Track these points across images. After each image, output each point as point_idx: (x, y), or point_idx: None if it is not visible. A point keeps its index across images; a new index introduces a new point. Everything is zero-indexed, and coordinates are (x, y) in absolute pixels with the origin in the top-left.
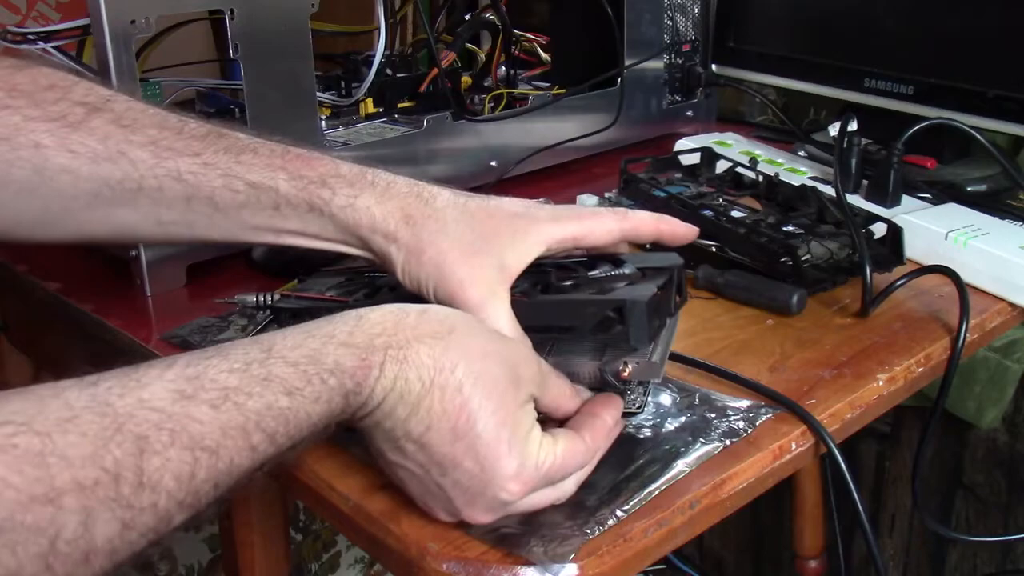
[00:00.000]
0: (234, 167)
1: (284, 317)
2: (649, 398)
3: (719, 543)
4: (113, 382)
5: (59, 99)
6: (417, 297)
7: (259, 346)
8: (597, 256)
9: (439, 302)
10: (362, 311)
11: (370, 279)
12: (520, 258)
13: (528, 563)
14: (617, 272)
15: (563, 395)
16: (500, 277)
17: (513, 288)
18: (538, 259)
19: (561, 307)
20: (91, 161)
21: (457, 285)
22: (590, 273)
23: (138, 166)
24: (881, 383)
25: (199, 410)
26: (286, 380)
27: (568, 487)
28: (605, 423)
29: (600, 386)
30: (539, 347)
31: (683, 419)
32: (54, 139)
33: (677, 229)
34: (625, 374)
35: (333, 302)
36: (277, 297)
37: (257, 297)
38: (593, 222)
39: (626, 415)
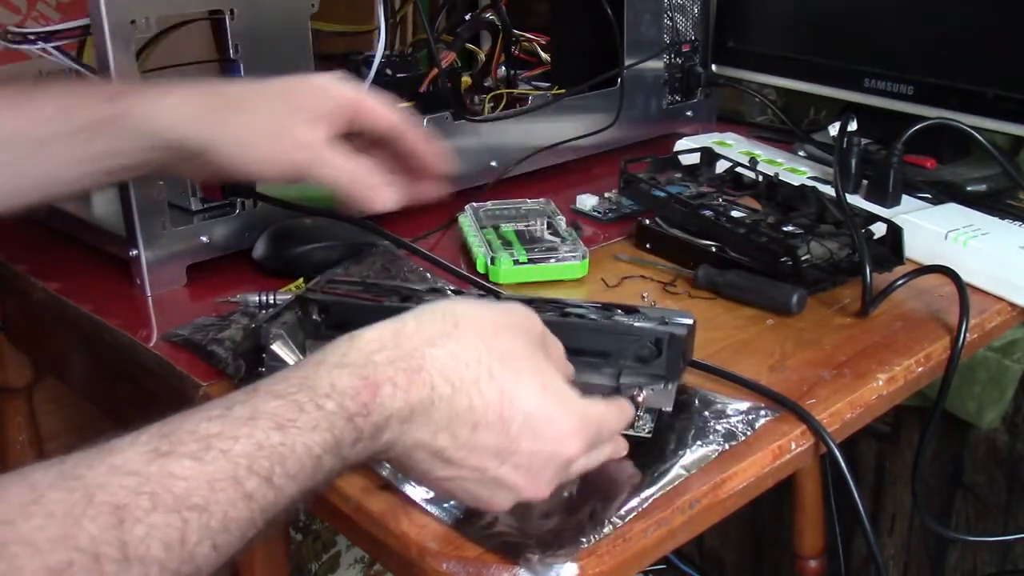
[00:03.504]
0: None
1: (312, 311)
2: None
3: (719, 543)
4: (81, 456)
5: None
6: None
7: (241, 391)
8: (612, 304)
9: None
10: (354, 332)
11: (392, 288)
12: (326, 104)
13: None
14: (639, 315)
15: (561, 352)
16: (325, 139)
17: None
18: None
19: (603, 332)
20: None
21: (288, 149)
22: (615, 316)
23: None
24: (881, 383)
25: (179, 465)
26: (276, 414)
27: (622, 446)
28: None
29: None
30: None
31: (682, 421)
32: None
33: (435, 162)
34: (640, 399)
35: (367, 300)
36: (287, 297)
37: (259, 296)
38: (382, 106)
39: (635, 439)
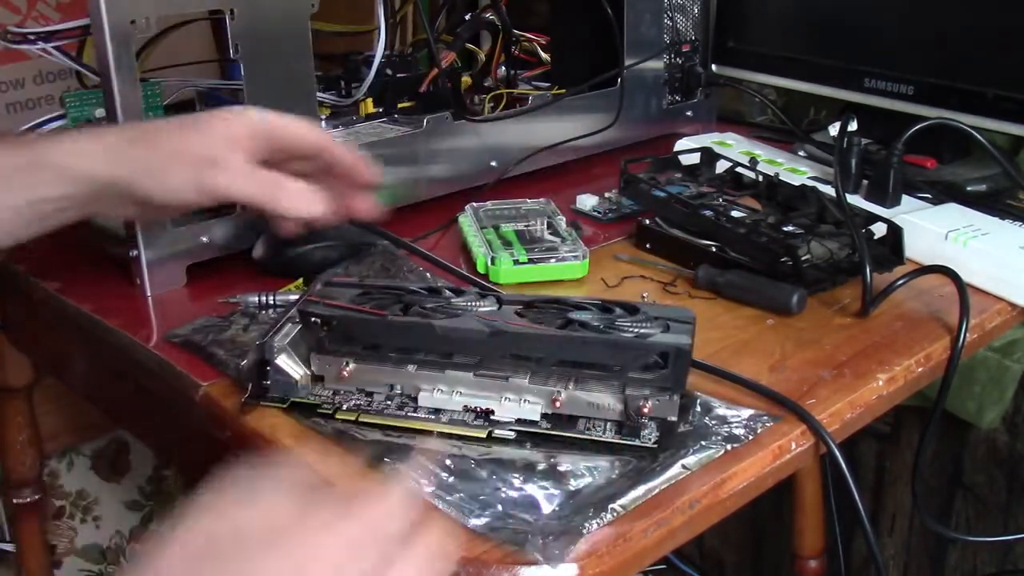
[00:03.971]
0: None
1: (313, 324)
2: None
3: (719, 543)
4: None
5: None
6: None
7: None
8: (612, 302)
9: (204, 195)
10: None
11: (396, 293)
12: (252, 145)
13: (528, 563)
14: (643, 318)
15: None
16: (244, 159)
17: (539, 321)
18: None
19: (608, 346)
20: None
21: (207, 171)
22: (619, 321)
23: None
24: (881, 383)
25: None
26: None
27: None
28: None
29: (620, 419)
30: (563, 378)
31: (684, 426)
32: None
33: (364, 174)
34: (646, 409)
35: (369, 314)
36: (287, 298)
37: (259, 297)
38: (297, 124)
39: (641, 449)
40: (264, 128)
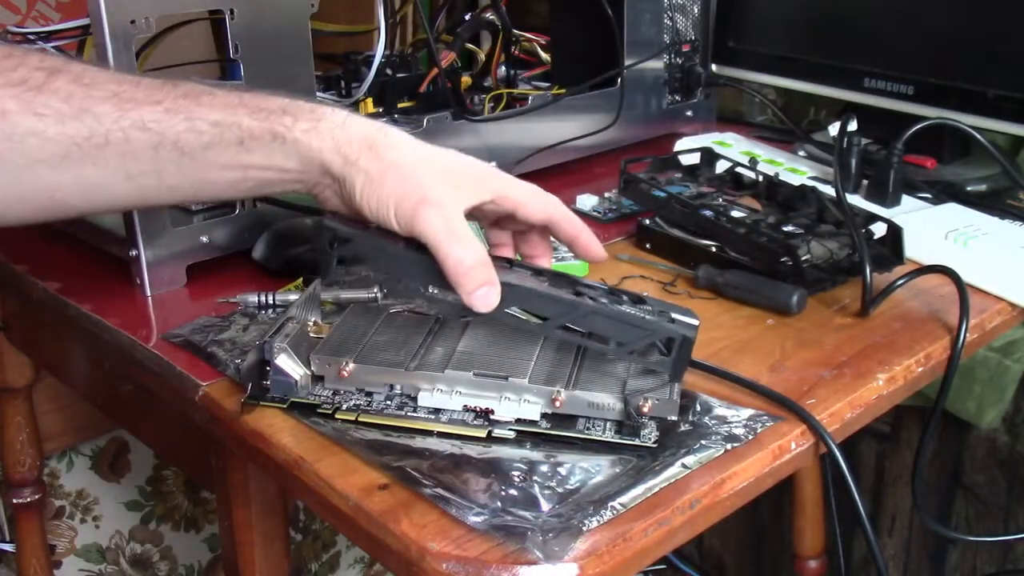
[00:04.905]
0: (195, 109)
1: (327, 239)
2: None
3: (719, 543)
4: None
5: (18, 65)
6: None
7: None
8: (619, 290)
9: (399, 222)
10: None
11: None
12: (471, 193)
13: (528, 563)
14: (648, 308)
15: None
16: (456, 202)
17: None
18: (479, 205)
19: (616, 321)
20: (57, 121)
21: (417, 204)
22: (624, 307)
23: (103, 120)
24: (881, 383)
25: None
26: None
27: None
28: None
29: (620, 418)
30: (563, 377)
31: (684, 425)
32: (19, 103)
33: (591, 245)
34: (646, 408)
35: (385, 241)
36: (293, 298)
37: (259, 297)
38: (534, 195)
39: (641, 449)
40: (503, 201)
